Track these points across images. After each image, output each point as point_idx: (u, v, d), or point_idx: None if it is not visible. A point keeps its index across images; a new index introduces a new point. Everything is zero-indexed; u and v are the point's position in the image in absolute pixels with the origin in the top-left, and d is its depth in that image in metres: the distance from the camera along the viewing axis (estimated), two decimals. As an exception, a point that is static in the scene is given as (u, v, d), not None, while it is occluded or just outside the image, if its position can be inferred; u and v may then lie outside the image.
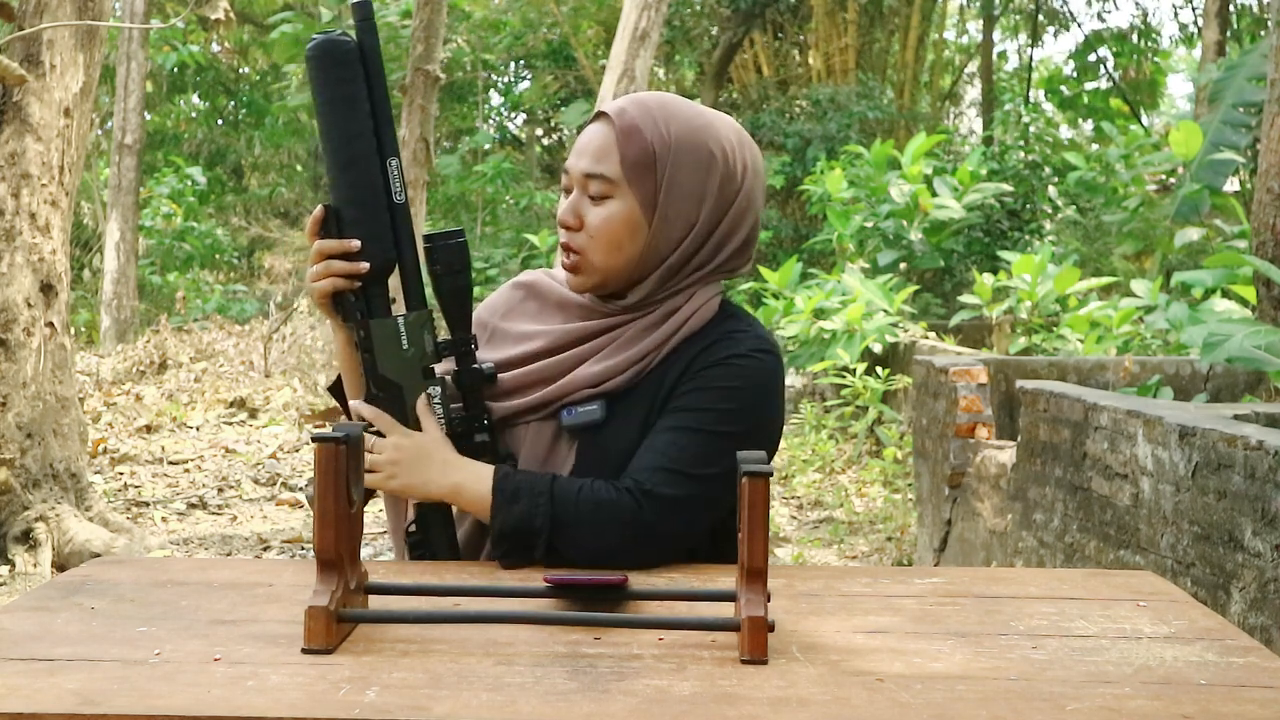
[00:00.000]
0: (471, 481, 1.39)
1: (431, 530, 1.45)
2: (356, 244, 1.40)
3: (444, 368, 1.47)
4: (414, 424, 1.43)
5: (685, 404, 1.40)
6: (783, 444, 7.17)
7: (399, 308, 1.43)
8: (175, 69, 16.70)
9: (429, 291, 1.46)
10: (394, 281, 1.44)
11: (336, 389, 1.56)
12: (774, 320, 7.58)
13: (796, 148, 12.79)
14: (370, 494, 1.42)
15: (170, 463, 6.78)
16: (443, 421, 1.43)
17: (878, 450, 6.73)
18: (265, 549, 5.14)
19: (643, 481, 1.36)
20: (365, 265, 1.41)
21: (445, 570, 1.35)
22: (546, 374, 1.46)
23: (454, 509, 1.47)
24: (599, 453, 1.41)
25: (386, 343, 1.42)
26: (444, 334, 1.47)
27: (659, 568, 1.34)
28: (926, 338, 7.19)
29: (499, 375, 1.48)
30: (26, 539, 4.70)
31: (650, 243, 1.43)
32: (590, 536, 1.34)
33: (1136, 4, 28.32)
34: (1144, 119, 17.02)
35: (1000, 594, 1.26)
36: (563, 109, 15.63)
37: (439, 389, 1.44)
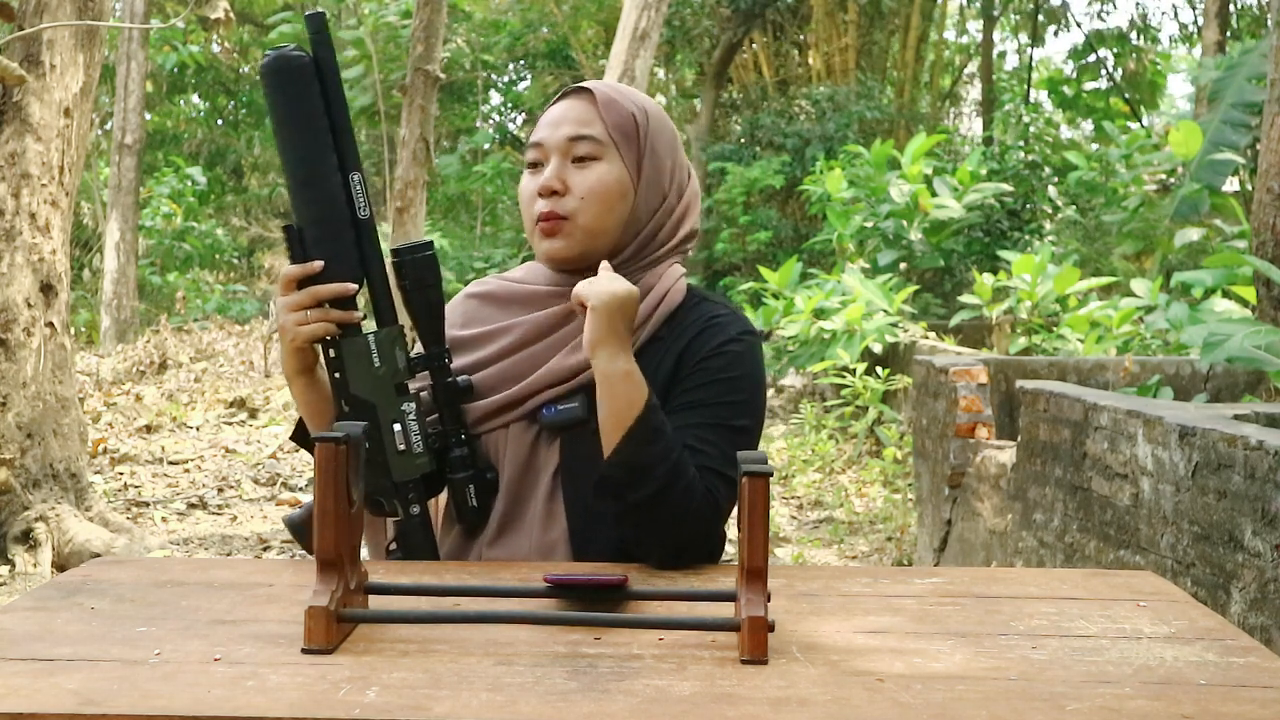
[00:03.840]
0: (638, 383, 1.33)
1: (411, 545, 1.42)
2: (354, 288, 1.36)
3: (419, 384, 1.44)
4: (390, 441, 1.39)
5: (697, 399, 1.39)
6: (783, 444, 7.19)
7: (369, 324, 1.40)
8: (175, 69, 16.71)
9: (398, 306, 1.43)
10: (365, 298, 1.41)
11: (300, 437, 1.50)
12: (774, 320, 7.58)
13: (796, 148, 12.79)
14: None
15: (170, 463, 6.78)
16: (419, 438, 1.40)
17: (878, 450, 6.73)
18: (265, 549, 5.14)
19: (711, 489, 1.34)
20: (360, 315, 1.38)
21: (445, 570, 1.35)
22: (521, 369, 1.44)
23: (435, 522, 1.45)
24: (584, 451, 1.38)
25: (358, 361, 1.38)
26: (416, 349, 1.44)
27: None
28: (926, 338, 7.20)
29: (471, 379, 1.45)
30: (26, 539, 4.70)
31: (634, 208, 1.45)
32: (676, 519, 1.31)
33: (1137, 3, 28.32)
34: (1144, 119, 17.02)
35: (1000, 594, 1.26)
36: (562, 109, 15.61)
37: (414, 405, 1.40)
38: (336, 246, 1.37)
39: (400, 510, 1.41)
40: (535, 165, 1.46)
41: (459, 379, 1.42)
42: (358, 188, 1.38)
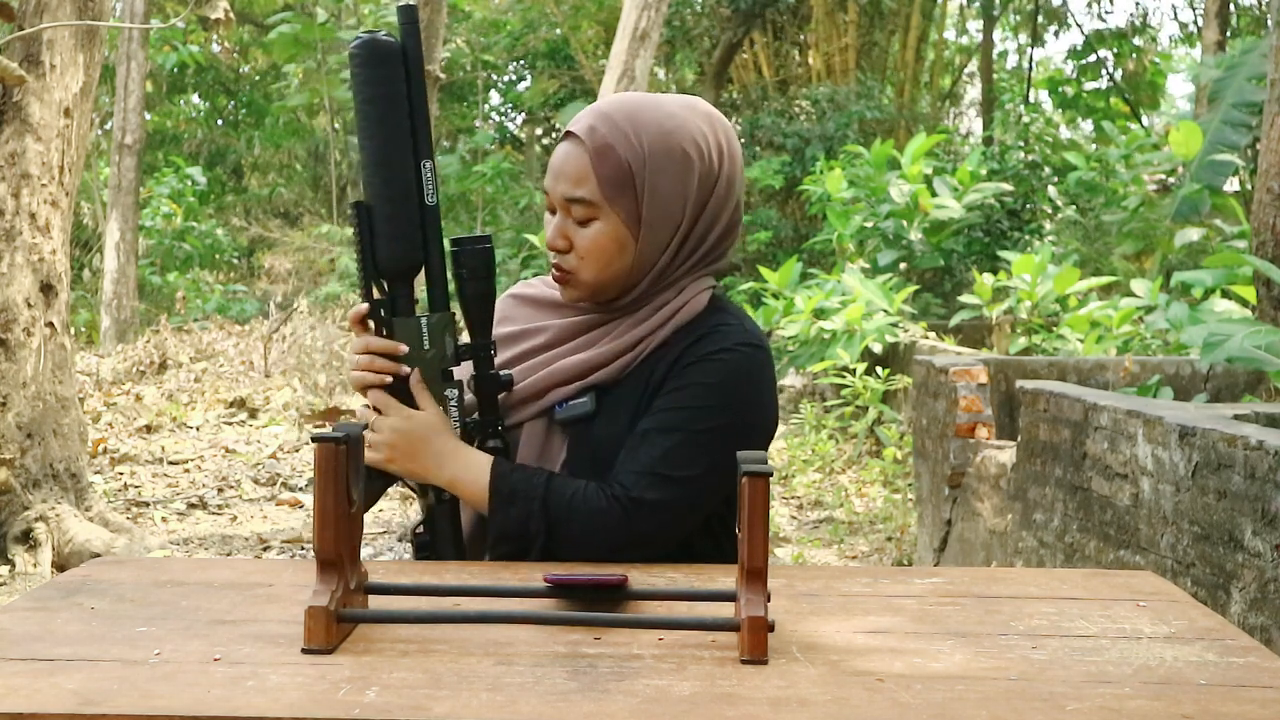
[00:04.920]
0: (468, 479, 1.42)
1: (438, 531, 1.46)
2: (404, 348, 1.43)
3: (462, 373, 1.49)
4: None
5: (667, 403, 1.42)
6: (782, 444, 7.19)
7: (422, 308, 1.45)
8: (175, 69, 16.70)
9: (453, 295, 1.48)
10: (419, 282, 1.47)
11: None
12: (774, 320, 7.57)
13: (796, 148, 12.78)
14: (376, 496, 1.44)
15: (170, 463, 6.78)
16: (457, 426, 1.45)
17: (878, 450, 6.73)
18: (265, 549, 5.14)
19: (629, 488, 1.38)
20: (407, 369, 1.43)
21: (445, 570, 1.35)
22: (538, 366, 1.49)
23: (461, 507, 1.49)
24: (589, 444, 1.44)
25: (408, 342, 1.44)
26: (465, 338, 1.48)
27: (654, 564, 1.36)
28: (926, 338, 7.19)
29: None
30: (26, 539, 4.70)
31: (639, 253, 1.45)
32: (583, 544, 1.37)
33: (1136, 3, 28.33)
34: (1144, 119, 17.01)
35: (1000, 594, 1.26)
36: (562, 109, 15.63)
37: (456, 392, 1.46)
38: (402, 227, 1.42)
39: (432, 495, 1.46)
40: (551, 210, 1.49)
41: (501, 373, 1.47)
42: (428, 175, 1.43)
